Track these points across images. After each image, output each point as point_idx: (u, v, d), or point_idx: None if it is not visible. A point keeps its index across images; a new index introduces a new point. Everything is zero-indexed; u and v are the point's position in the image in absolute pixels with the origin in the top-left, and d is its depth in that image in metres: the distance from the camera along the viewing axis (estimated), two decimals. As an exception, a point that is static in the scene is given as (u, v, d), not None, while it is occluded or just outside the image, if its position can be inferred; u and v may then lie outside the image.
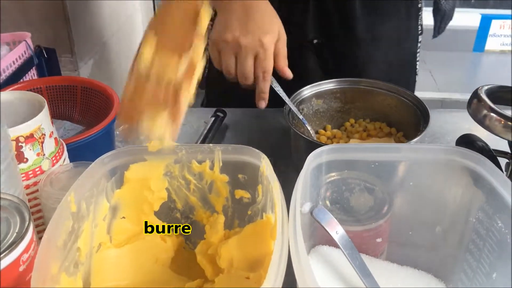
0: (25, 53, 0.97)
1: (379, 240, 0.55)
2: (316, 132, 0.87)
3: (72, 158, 0.63)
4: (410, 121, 0.78)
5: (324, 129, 0.88)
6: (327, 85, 0.86)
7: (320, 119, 0.88)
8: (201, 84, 1.03)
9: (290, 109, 0.79)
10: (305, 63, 0.98)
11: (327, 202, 0.55)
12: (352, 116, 0.88)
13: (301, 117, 0.80)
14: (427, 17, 1.01)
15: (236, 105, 0.95)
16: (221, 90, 1.03)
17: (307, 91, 0.85)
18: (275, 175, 0.50)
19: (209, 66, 1.01)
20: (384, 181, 0.55)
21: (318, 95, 0.86)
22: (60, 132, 0.81)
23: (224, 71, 0.78)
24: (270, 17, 0.76)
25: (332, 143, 0.84)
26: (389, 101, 0.83)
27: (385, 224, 0.55)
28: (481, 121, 0.51)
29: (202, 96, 1.12)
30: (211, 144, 0.54)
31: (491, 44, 2.37)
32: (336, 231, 0.49)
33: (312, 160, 0.51)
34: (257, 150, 0.52)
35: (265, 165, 0.51)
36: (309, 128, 0.81)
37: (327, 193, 0.56)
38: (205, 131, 0.86)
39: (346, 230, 0.54)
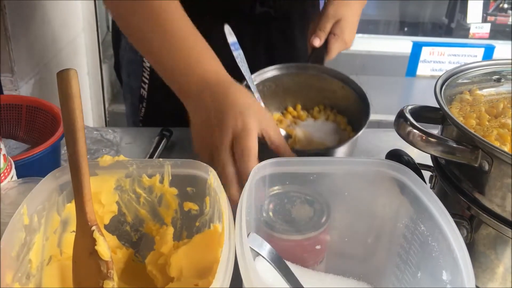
0: (-34, 72, 0.95)
1: (318, 247, 0.59)
2: (285, 109, 0.88)
3: (19, 175, 0.64)
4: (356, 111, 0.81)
5: (294, 107, 0.88)
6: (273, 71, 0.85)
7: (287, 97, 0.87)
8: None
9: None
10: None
11: (271, 214, 0.59)
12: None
13: (257, 96, 0.77)
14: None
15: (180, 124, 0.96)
16: (165, 110, 1.04)
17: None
18: (222, 186, 0.53)
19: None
20: (322, 192, 0.60)
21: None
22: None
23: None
24: None
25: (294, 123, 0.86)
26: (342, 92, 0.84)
27: (323, 232, 0.59)
28: (405, 137, 0.57)
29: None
30: (161, 159, 0.57)
31: (422, 69, 2.52)
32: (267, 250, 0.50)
33: (256, 172, 0.55)
34: (204, 164, 0.55)
35: (213, 178, 0.54)
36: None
37: (270, 205, 0.60)
38: (152, 150, 0.88)
39: (288, 239, 0.58)
